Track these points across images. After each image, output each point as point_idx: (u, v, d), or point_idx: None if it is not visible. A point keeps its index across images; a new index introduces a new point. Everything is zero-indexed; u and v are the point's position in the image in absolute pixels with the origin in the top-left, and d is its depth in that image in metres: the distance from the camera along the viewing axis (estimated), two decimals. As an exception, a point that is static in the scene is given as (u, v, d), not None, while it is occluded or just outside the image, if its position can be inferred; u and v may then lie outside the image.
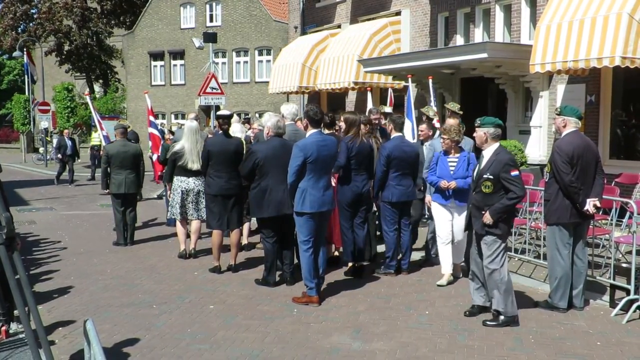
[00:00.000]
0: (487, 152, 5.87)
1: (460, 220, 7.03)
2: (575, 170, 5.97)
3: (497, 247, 5.78)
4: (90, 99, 13.83)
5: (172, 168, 8.78)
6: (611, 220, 7.46)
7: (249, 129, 10.42)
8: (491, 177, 5.71)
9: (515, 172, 5.67)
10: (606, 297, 6.49)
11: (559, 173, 5.99)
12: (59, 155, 20.04)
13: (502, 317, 5.82)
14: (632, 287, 6.06)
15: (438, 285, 7.18)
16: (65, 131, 21.15)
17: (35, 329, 3.93)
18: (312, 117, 6.63)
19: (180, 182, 8.69)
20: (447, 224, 7.22)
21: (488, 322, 5.86)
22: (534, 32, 10.76)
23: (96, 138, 21.49)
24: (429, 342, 5.46)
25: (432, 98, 11.83)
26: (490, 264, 5.79)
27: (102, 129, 13.24)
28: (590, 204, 6.02)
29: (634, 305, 6.00)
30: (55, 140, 32.17)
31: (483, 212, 5.76)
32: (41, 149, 29.53)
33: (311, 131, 6.63)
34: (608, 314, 6.17)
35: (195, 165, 8.55)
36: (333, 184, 7.62)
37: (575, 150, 5.97)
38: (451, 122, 8.01)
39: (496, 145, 5.85)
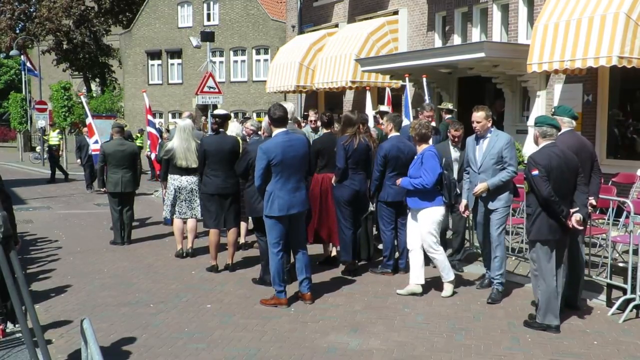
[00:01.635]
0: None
1: (415, 224, 6.77)
2: None
3: (535, 255, 5.71)
4: (85, 99, 13.69)
5: (167, 167, 8.79)
6: (608, 219, 7.46)
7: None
8: (525, 176, 5.72)
9: (535, 172, 5.52)
10: (603, 297, 6.50)
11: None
12: (79, 160, 17.80)
13: (535, 323, 5.78)
14: (628, 287, 6.07)
15: (398, 293, 6.85)
16: (85, 129, 19.59)
17: (32, 328, 3.92)
18: (272, 117, 6.42)
19: (173, 180, 8.69)
20: (409, 227, 6.96)
21: (528, 321, 5.88)
22: (532, 32, 10.77)
23: (54, 137, 20.76)
24: (426, 342, 5.46)
25: (426, 97, 11.83)
26: (531, 267, 5.86)
27: (93, 133, 13.17)
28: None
29: (631, 305, 6.02)
30: (47, 139, 32.10)
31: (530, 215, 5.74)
32: (38, 148, 29.44)
33: (276, 131, 6.44)
34: (605, 313, 6.18)
35: (185, 162, 8.54)
36: (333, 183, 7.63)
37: (570, 150, 5.98)
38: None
39: (544, 143, 5.71)
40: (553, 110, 6.32)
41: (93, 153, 12.96)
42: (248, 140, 8.24)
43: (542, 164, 5.51)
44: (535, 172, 5.51)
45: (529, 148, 12.27)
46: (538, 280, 5.69)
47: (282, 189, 6.28)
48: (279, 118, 6.40)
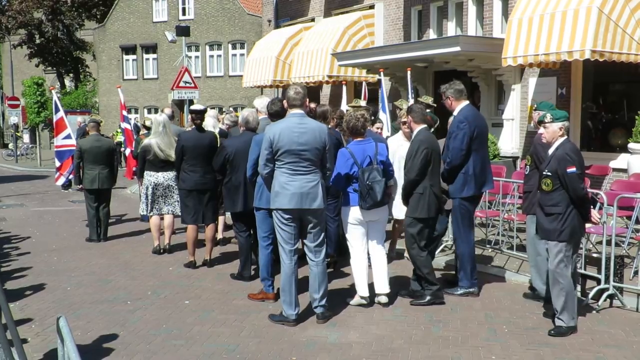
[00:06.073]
0: (553, 146, 5.44)
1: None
2: None
3: (557, 251, 5.36)
4: (56, 94, 13.14)
5: (143, 163, 8.70)
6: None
7: (221, 122, 10.33)
8: (549, 173, 5.36)
9: (572, 169, 5.19)
10: (578, 287, 6.59)
11: (541, 163, 6.06)
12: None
13: (563, 327, 5.48)
14: (602, 277, 6.18)
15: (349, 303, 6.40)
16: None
17: (7, 326, 3.87)
18: (269, 111, 6.50)
19: (150, 177, 8.62)
20: None
21: (552, 332, 5.51)
22: (506, 26, 10.87)
23: None
24: (404, 334, 5.50)
25: (409, 91, 11.83)
26: (555, 269, 5.41)
27: (64, 127, 12.16)
28: None
29: (605, 295, 6.13)
30: (26, 136, 31.68)
31: (544, 212, 5.40)
32: (11, 145, 29.06)
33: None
34: (579, 303, 6.26)
35: (161, 155, 8.41)
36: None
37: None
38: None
39: (562, 139, 5.39)
40: (535, 105, 6.39)
41: (56, 150, 12.17)
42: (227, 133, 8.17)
43: (579, 160, 5.25)
44: (573, 169, 5.18)
45: (504, 141, 12.41)
46: (563, 281, 5.38)
47: None
48: (275, 112, 6.51)
